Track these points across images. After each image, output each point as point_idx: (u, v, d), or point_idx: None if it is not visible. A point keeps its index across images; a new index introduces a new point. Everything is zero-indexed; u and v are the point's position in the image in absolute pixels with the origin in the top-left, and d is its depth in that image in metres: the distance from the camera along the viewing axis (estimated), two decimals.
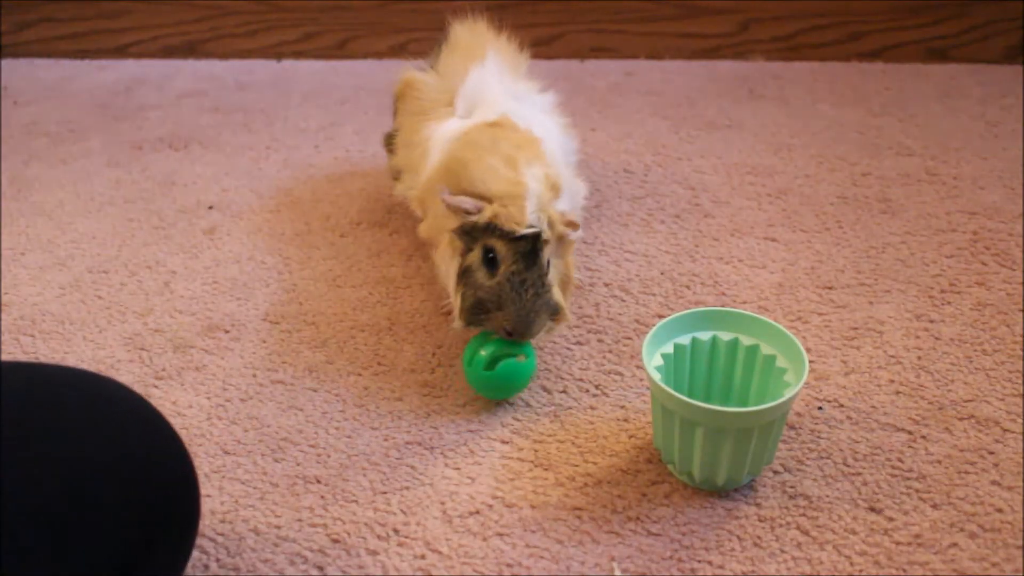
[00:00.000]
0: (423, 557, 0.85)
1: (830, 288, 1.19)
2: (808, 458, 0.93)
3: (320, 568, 0.84)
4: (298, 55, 2.22)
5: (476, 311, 0.96)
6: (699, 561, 0.82)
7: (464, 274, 0.97)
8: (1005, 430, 0.94)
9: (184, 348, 1.14)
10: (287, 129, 1.81)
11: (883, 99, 1.77)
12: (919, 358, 1.06)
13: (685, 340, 0.94)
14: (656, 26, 2.05)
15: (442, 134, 1.13)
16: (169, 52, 2.27)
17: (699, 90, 1.87)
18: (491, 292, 0.95)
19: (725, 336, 0.94)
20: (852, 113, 1.71)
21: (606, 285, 1.22)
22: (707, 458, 0.85)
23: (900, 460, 0.92)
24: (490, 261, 0.95)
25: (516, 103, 1.17)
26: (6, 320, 1.23)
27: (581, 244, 1.32)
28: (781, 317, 1.14)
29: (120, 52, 2.29)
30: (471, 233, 0.96)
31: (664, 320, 0.93)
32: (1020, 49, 1.92)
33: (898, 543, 0.83)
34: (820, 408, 0.99)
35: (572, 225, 0.99)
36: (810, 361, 1.06)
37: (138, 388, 1.09)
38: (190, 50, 2.26)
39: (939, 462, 0.91)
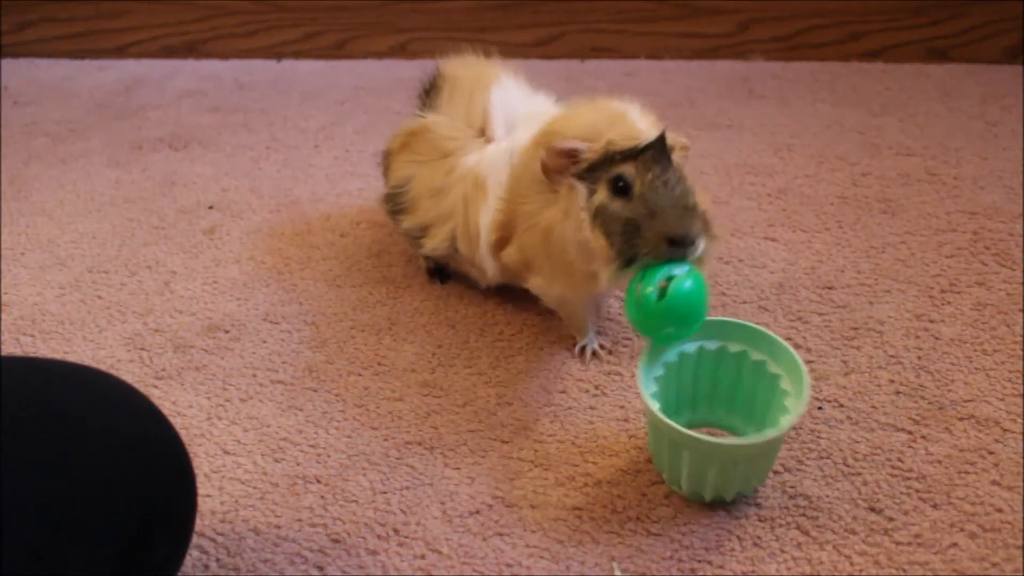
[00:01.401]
0: (423, 557, 0.85)
1: (830, 288, 1.19)
2: (808, 458, 0.93)
3: (320, 568, 0.84)
4: (298, 55, 2.22)
5: (627, 237, 0.88)
6: (699, 561, 0.82)
7: (598, 215, 0.91)
8: (1005, 430, 0.94)
9: (184, 349, 1.14)
10: (287, 129, 1.81)
11: (883, 99, 1.77)
12: (919, 358, 1.06)
13: (691, 348, 0.92)
14: (656, 26, 2.05)
15: (492, 158, 1.07)
16: (169, 52, 2.27)
17: (699, 90, 1.87)
18: (637, 208, 0.88)
19: (734, 347, 0.92)
20: (852, 113, 1.71)
21: None
22: (694, 477, 0.85)
23: (900, 460, 0.92)
24: (621, 189, 0.90)
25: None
26: (6, 320, 1.23)
27: None
28: (781, 317, 1.14)
29: (120, 52, 2.29)
30: (588, 177, 0.92)
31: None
32: (1020, 49, 1.92)
33: (898, 543, 0.83)
34: (820, 408, 0.99)
35: (684, 147, 0.96)
36: (810, 361, 1.06)
37: (138, 388, 1.09)
38: (190, 50, 2.26)
39: (939, 462, 0.91)
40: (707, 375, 0.94)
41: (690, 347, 0.93)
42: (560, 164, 0.94)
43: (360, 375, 1.09)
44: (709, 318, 0.90)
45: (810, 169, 1.51)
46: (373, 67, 2.14)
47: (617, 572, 0.82)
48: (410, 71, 2.08)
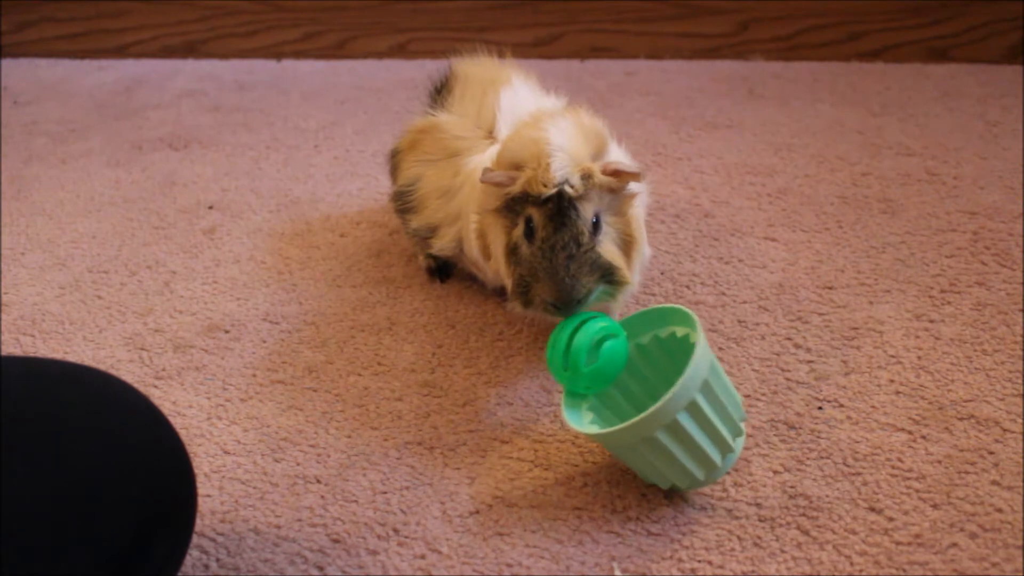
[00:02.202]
0: (423, 557, 0.85)
1: (830, 288, 1.19)
2: (808, 458, 0.93)
3: (320, 568, 0.84)
4: (298, 55, 2.22)
5: (521, 288, 0.91)
6: (699, 561, 0.82)
7: (512, 252, 0.93)
8: (1005, 430, 0.94)
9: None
10: (287, 129, 1.81)
11: (883, 99, 1.77)
12: (919, 358, 1.06)
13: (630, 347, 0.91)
14: (656, 26, 2.05)
15: (490, 157, 1.06)
16: (169, 52, 2.27)
17: (699, 90, 1.87)
18: (527, 263, 0.90)
19: (644, 339, 0.92)
20: (852, 113, 1.71)
21: None
22: (669, 465, 0.84)
23: (900, 460, 0.92)
24: (530, 232, 0.90)
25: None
26: (6, 320, 1.23)
27: None
28: (781, 317, 1.14)
29: (120, 52, 2.29)
30: (512, 207, 0.92)
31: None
32: (1020, 49, 1.92)
33: (898, 543, 0.83)
34: (820, 408, 0.99)
35: (621, 175, 0.91)
36: (810, 361, 1.06)
37: (138, 388, 1.09)
38: (190, 50, 2.26)
39: (939, 462, 0.91)
40: (663, 365, 0.93)
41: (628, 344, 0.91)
42: (490, 187, 0.94)
43: (360, 375, 1.09)
44: (634, 313, 0.92)
45: (810, 169, 1.51)
46: (373, 67, 2.14)
47: (617, 572, 0.82)
48: (410, 71, 2.08)
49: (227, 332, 1.18)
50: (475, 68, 1.21)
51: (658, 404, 0.80)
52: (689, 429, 0.82)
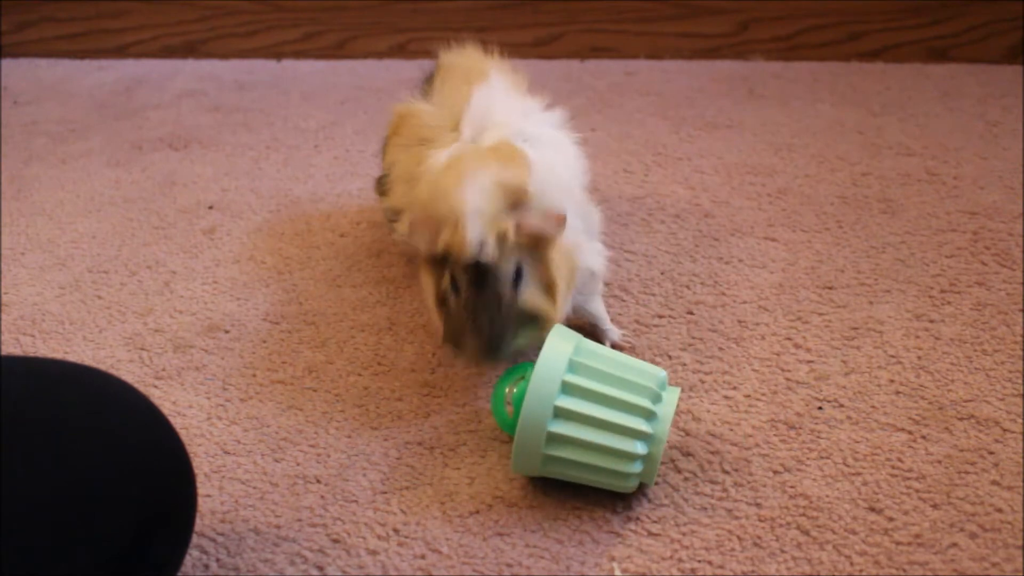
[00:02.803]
0: (423, 557, 0.85)
1: (830, 288, 1.19)
2: (808, 458, 0.93)
3: (320, 568, 0.84)
4: (298, 55, 2.22)
5: (452, 338, 0.95)
6: (699, 561, 0.82)
7: (442, 303, 0.96)
8: (1005, 430, 0.94)
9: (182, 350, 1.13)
10: (287, 129, 1.81)
11: (883, 99, 1.77)
12: (919, 358, 1.06)
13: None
14: (656, 26, 2.05)
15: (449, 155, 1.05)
16: (169, 52, 2.27)
17: (699, 90, 1.87)
18: (455, 316, 0.93)
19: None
20: (852, 113, 1.71)
21: (606, 285, 1.22)
22: (592, 482, 0.86)
23: (900, 460, 0.92)
24: (455, 288, 0.93)
25: (526, 121, 1.10)
26: (6, 320, 1.23)
27: None
28: (781, 317, 1.14)
29: (120, 52, 2.29)
30: (439, 261, 0.94)
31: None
32: (1020, 49, 1.92)
33: (898, 543, 0.83)
34: (820, 408, 0.99)
35: (540, 236, 0.93)
36: (810, 361, 1.06)
37: (138, 388, 1.09)
38: (190, 50, 2.26)
39: (939, 462, 0.91)
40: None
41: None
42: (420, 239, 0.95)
43: (360, 375, 1.09)
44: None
45: (810, 169, 1.51)
46: (373, 67, 2.13)
47: (617, 572, 0.82)
48: (410, 71, 2.07)
49: (227, 332, 1.18)
50: (459, 59, 1.21)
51: (517, 429, 0.83)
52: (575, 433, 0.83)
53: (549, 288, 0.95)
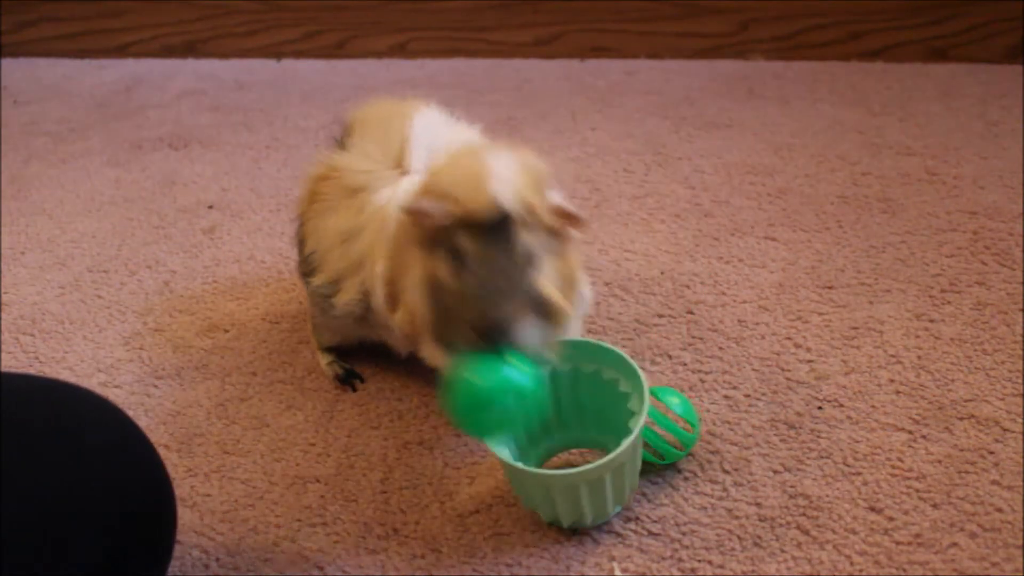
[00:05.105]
0: (423, 557, 0.85)
1: (830, 288, 1.19)
2: (808, 458, 0.93)
3: (320, 568, 0.84)
4: (298, 55, 2.22)
5: (443, 321, 0.82)
6: (699, 561, 0.82)
7: (432, 289, 0.83)
8: (1005, 430, 0.94)
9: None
10: (287, 129, 1.81)
11: (883, 99, 1.77)
12: (919, 358, 1.06)
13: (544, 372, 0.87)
14: (656, 26, 2.05)
15: (406, 191, 0.93)
16: (169, 52, 2.27)
17: (699, 90, 1.87)
18: (456, 292, 0.80)
19: (564, 367, 0.89)
20: (852, 113, 1.71)
21: (606, 284, 1.22)
22: (567, 508, 0.83)
23: (900, 460, 0.92)
24: (458, 262, 0.80)
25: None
26: (6, 320, 1.23)
27: (581, 243, 1.32)
28: (781, 317, 1.14)
29: (120, 52, 2.29)
30: (437, 240, 0.82)
31: None
32: (1020, 49, 1.92)
33: (898, 543, 0.83)
34: (820, 408, 0.99)
35: (568, 218, 0.83)
36: (810, 361, 1.06)
37: (138, 388, 1.09)
38: (190, 50, 2.26)
39: (939, 462, 0.91)
40: (568, 398, 0.93)
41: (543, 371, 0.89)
42: (413, 218, 0.83)
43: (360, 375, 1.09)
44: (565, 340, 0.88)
45: (810, 169, 1.51)
46: (373, 67, 2.13)
47: (617, 572, 0.82)
48: (410, 71, 2.08)
49: (227, 332, 1.18)
50: (373, 110, 1.08)
51: (599, 462, 0.80)
52: (610, 481, 0.82)
53: (565, 287, 0.85)
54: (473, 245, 0.79)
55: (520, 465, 0.83)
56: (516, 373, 0.77)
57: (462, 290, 0.80)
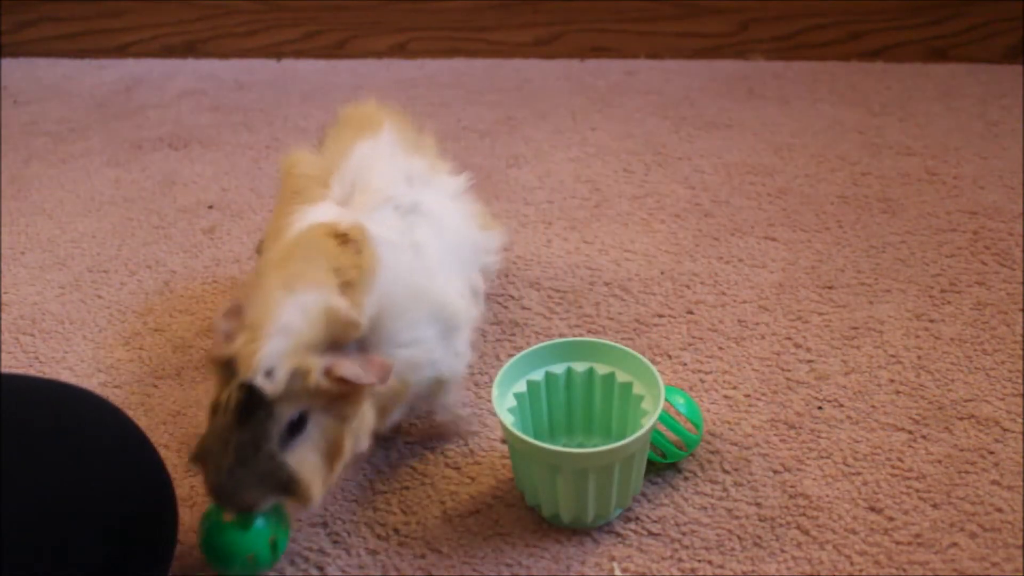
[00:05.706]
0: (423, 557, 0.85)
1: (830, 288, 1.19)
2: (808, 458, 0.93)
3: (320, 568, 0.84)
4: (298, 55, 2.22)
5: (193, 458, 0.77)
6: (699, 561, 0.82)
7: (212, 411, 0.77)
8: (1005, 430, 0.94)
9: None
10: (287, 129, 1.81)
11: (883, 99, 1.77)
12: (919, 358, 1.06)
13: (538, 376, 0.90)
14: (656, 26, 2.05)
15: (303, 224, 0.87)
16: (169, 52, 2.27)
17: (699, 90, 1.87)
18: (207, 441, 0.75)
19: (579, 367, 0.91)
20: (852, 113, 1.71)
21: (606, 284, 1.22)
22: (571, 499, 0.83)
23: (900, 460, 0.92)
24: (227, 405, 0.75)
25: (409, 187, 0.95)
26: (6, 320, 1.23)
27: (581, 243, 1.32)
28: (781, 317, 1.14)
29: (120, 52, 2.29)
30: (225, 367, 0.76)
31: (513, 359, 0.89)
32: (1020, 49, 1.92)
33: (898, 543, 0.83)
34: (820, 408, 0.99)
35: (344, 383, 0.76)
36: (810, 361, 1.06)
37: (138, 388, 1.09)
38: (190, 50, 2.26)
39: (939, 462, 0.91)
40: (579, 398, 0.93)
41: (558, 368, 0.91)
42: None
43: None
44: (550, 342, 0.91)
45: (810, 169, 1.51)
46: (373, 67, 2.13)
47: (617, 572, 0.82)
48: (410, 71, 2.08)
49: None
50: (356, 112, 1.07)
51: (611, 446, 0.80)
52: (618, 474, 0.82)
53: (331, 453, 0.78)
54: (234, 395, 0.74)
55: (530, 439, 0.81)
56: (244, 535, 0.76)
57: (204, 437, 0.76)
